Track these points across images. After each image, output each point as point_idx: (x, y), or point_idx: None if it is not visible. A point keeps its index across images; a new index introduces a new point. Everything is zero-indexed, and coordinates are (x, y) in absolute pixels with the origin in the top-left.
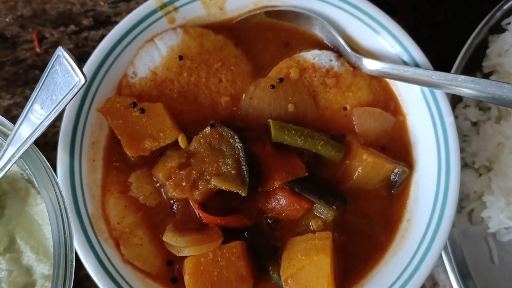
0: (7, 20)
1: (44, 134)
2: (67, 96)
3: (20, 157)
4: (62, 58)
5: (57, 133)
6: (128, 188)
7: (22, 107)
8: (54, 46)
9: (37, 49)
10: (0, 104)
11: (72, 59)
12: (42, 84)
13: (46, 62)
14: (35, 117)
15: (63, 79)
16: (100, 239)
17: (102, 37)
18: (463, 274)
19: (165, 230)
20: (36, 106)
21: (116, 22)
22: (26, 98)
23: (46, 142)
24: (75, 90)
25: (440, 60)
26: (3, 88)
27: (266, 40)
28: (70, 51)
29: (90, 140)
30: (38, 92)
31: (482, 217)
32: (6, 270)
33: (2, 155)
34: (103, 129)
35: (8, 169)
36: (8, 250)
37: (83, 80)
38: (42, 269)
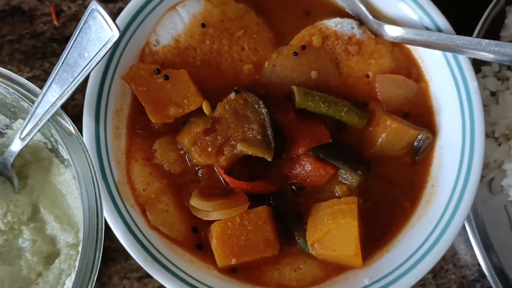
0: None
1: (63, 106)
2: (100, 52)
3: (48, 120)
4: (96, 12)
5: (76, 105)
6: (152, 156)
7: (41, 80)
8: (72, 19)
9: (55, 22)
10: None
11: (107, 12)
12: (74, 41)
13: (65, 36)
14: (65, 78)
15: (97, 34)
16: (126, 204)
17: (120, 10)
18: (486, 244)
19: (191, 196)
20: (68, 65)
21: None
22: (45, 72)
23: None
24: (109, 45)
25: (458, 31)
26: (21, 61)
27: (287, 9)
28: None
29: (114, 107)
30: (69, 50)
31: (502, 185)
32: (30, 239)
33: (30, 118)
34: (127, 97)
35: (36, 132)
36: (32, 219)
37: (117, 34)
38: (66, 238)
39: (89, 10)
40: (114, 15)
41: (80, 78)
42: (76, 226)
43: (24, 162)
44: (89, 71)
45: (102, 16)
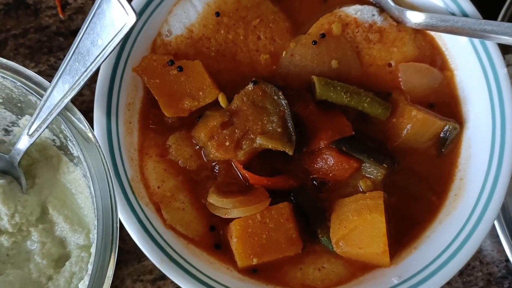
0: None
1: (72, 103)
2: (115, 39)
3: (58, 115)
4: None
5: (84, 101)
6: (166, 151)
7: (47, 76)
8: (78, 12)
9: (61, 16)
10: None
11: None
12: (87, 27)
13: (71, 29)
14: (76, 68)
15: (111, 19)
16: (141, 203)
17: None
18: None
19: (208, 193)
20: (80, 54)
21: None
22: (51, 66)
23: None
24: (125, 30)
25: (481, 13)
26: (27, 56)
27: None
28: None
29: (126, 101)
30: (82, 37)
31: None
32: (38, 242)
33: (39, 112)
34: (138, 91)
35: (45, 128)
36: (40, 220)
37: (134, 18)
38: (77, 239)
39: None
40: None
41: (93, 68)
42: (86, 227)
43: (31, 160)
44: (103, 59)
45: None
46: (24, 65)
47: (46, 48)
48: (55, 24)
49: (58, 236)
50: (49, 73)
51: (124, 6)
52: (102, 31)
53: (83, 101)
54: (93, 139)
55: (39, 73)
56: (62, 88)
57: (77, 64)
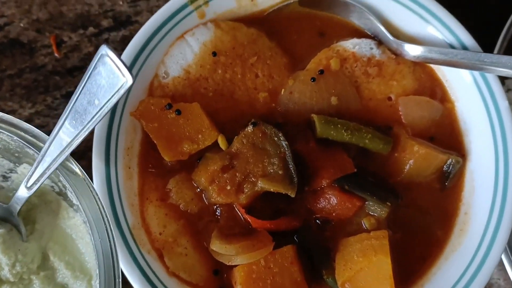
0: (22, 25)
1: None
2: (112, 99)
3: (56, 168)
4: (107, 57)
5: (82, 142)
6: (167, 195)
7: (44, 116)
8: (74, 50)
9: (56, 54)
10: (21, 114)
11: (118, 57)
12: (83, 88)
13: (66, 67)
14: (73, 126)
15: (108, 80)
16: (142, 251)
17: (124, 38)
18: None
19: (211, 237)
20: (76, 112)
21: (137, 22)
22: (48, 106)
23: (72, 152)
24: (121, 91)
25: (478, 42)
26: (23, 96)
27: (300, 30)
28: (91, 55)
29: (125, 146)
30: (78, 96)
31: None
32: None
33: (37, 166)
34: (137, 133)
35: (44, 181)
36: (42, 267)
37: (130, 81)
38: (79, 286)
39: (99, 55)
40: (117, 44)
41: (91, 126)
42: (88, 273)
43: (30, 206)
44: (100, 118)
45: (113, 62)
46: (20, 106)
47: (43, 87)
48: (51, 63)
49: (59, 283)
50: (46, 113)
51: (120, 68)
52: (99, 92)
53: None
54: (90, 188)
55: (36, 113)
56: (60, 144)
57: (74, 122)
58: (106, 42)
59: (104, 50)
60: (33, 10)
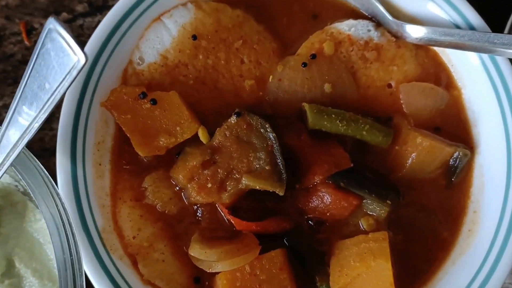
0: None
1: (40, 139)
2: (64, 82)
3: (11, 165)
4: (55, 33)
5: (55, 136)
6: (142, 195)
7: None
8: None
9: (26, 42)
10: None
11: (68, 32)
12: (31, 70)
13: None
14: (26, 114)
15: (58, 60)
16: (113, 257)
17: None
18: None
19: (191, 241)
20: (26, 99)
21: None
22: None
23: (43, 148)
24: (74, 73)
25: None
26: None
27: (292, 13)
28: None
29: (95, 140)
30: (27, 81)
31: None
32: None
33: None
34: (109, 127)
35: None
36: (7, 275)
37: (83, 59)
38: None
39: (46, 30)
40: (92, 30)
41: (43, 115)
42: (57, 281)
43: None
44: (53, 105)
45: (63, 38)
46: None
47: (11, 78)
48: (21, 52)
49: None
50: None
51: (70, 45)
52: (49, 74)
53: (53, 136)
54: (48, 187)
55: (4, 106)
56: (12, 137)
57: (25, 110)
58: (80, 28)
59: (52, 23)
60: None
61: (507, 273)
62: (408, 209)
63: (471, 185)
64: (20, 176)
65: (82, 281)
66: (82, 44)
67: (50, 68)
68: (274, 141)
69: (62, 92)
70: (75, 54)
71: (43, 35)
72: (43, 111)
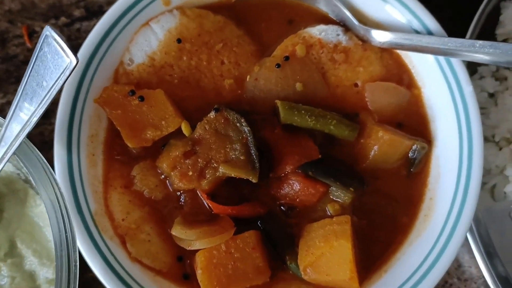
0: None
1: (40, 132)
2: (58, 81)
3: (14, 153)
4: (50, 38)
5: (54, 130)
6: (131, 182)
7: None
8: None
9: (28, 44)
10: None
11: (61, 38)
12: (31, 70)
13: None
14: (26, 109)
15: (53, 61)
16: (104, 237)
17: None
18: (489, 253)
19: (174, 223)
20: (27, 95)
21: None
22: None
23: (43, 141)
24: (67, 73)
25: (452, 30)
26: None
27: (269, 18)
28: None
29: (89, 133)
30: (27, 80)
31: (505, 192)
32: (8, 276)
33: None
34: (102, 121)
35: (2, 168)
36: (9, 255)
37: (74, 61)
38: (45, 273)
39: (43, 36)
40: (89, 33)
41: (41, 109)
42: (55, 260)
43: None
44: (50, 100)
45: (57, 43)
46: None
47: (14, 78)
48: (23, 53)
49: (27, 270)
50: None
51: (64, 49)
52: (46, 73)
53: (52, 130)
54: (47, 174)
55: (7, 103)
56: (15, 128)
57: (26, 105)
58: (78, 32)
59: (48, 31)
60: (5, 1)
61: (456, 252)
62: (372, 196)
63: (428, 174)
64: (22, 164)
65: (76, 258)
66: (77, 46)
67: (47, 68)
68: (248, 134)
69: (57, 89)
70: (67, 56)
71: (41, 40)
72: (41, 106)
